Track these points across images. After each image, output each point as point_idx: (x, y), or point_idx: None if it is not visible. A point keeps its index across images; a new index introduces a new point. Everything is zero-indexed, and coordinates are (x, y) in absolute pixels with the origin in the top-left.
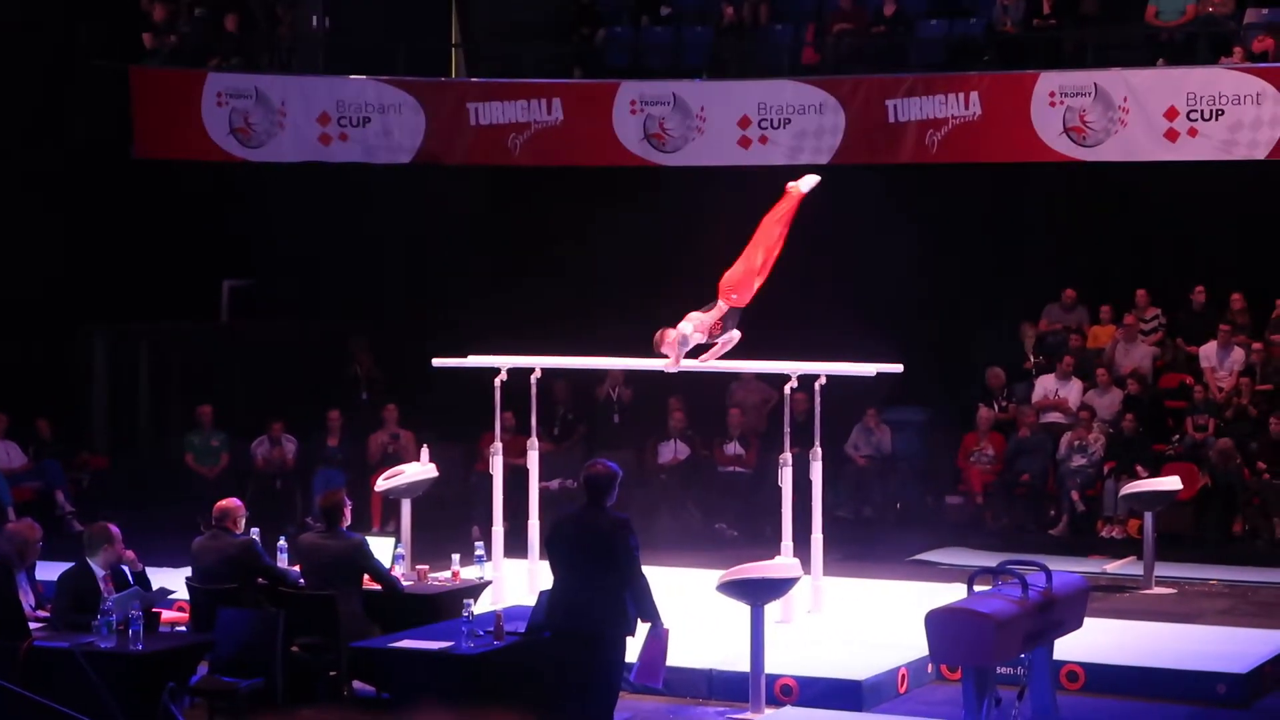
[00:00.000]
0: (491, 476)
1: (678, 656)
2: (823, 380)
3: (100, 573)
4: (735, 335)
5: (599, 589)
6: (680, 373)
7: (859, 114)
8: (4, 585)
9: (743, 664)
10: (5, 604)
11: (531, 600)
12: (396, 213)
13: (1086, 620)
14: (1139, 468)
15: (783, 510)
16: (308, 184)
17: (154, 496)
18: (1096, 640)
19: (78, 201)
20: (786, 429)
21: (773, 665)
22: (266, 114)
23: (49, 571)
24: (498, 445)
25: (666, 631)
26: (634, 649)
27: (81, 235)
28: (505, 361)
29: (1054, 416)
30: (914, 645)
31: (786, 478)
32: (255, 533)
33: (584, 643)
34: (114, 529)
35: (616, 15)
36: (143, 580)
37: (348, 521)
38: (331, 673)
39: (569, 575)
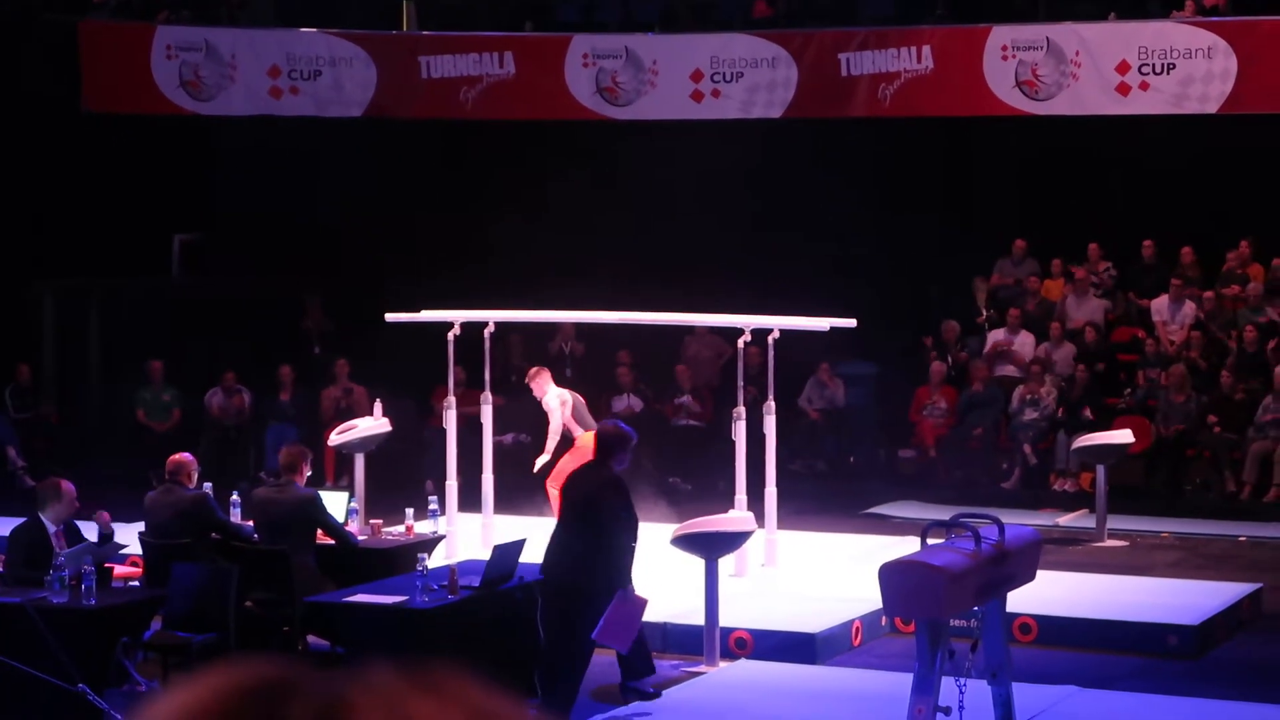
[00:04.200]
0: (445, 431)
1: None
2: (776, 334)
3: (52, 528)
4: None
5: (571, 543)
6: (631, 326)
7: (811, 68)
8: None
9: (697, 617)
10: None
11: (485, 554)
12: (348, 166)
13: (1039, 573)
14: (1090, 420)
15: (736, 464)
16: (259, 137)
17: (105, 451)
18: (1049, 593)
19: (26, 155)
20: (740, 383)
21: (727, 618)
22: (216, 67)
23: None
24: (451, 400)
25: (641, 600)
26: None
27: (30, 190)
28: (458, 316)
29: (1006, 370)
30: (867, 598)
31: (740, 431)
32: (208, 487)
33: (554, 593)
34: (66, 485)
35: None
36: (107, 540)
37: (305, 478)
38: (285, 628)
39: (558, 526)
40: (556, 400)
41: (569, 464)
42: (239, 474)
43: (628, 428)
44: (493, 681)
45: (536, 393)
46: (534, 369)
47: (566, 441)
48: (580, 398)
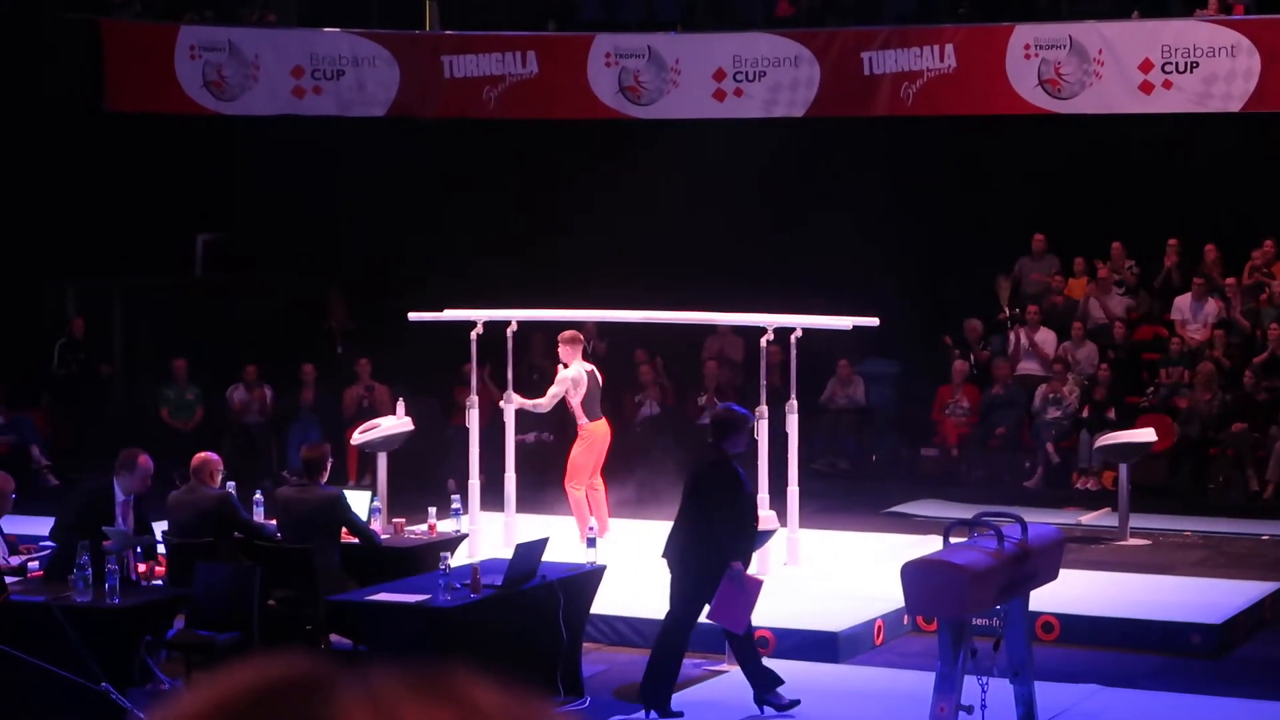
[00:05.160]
0: (467, 429)
1: (653, 608)
2: (799, 333)
3: (120, 497)
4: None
5: (681, 525)
6: (654, 325)
7: (834, 67)
8: None
9: None
10: None
11: (508, 553)
12: (371, 166)
13: (1062, 571)
14: (1113, 419)
15: (759, 463)
16: (282, 137)
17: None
18: (1072, 591)
19: (50, 155)
20: (763, 381)
21: None
22: (240, 67)
23: (20, 526)
24: (474, 398)
25: (755, 580)
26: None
27: (54, 189)
28: (481, 315)
29: (1030, 368)
30: (890, 597)
31: (762, 430)
32: (231, 486)
33: (673, 574)
34: (144, 459)
35: None
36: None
37: (326, 475)
38: (308, 626)
39: (679, 509)
40: (569, 382)
41: (579, 455)
42: (262, 473)
43: (741, 409)
44: (510, 681)
45: (563, 356)
46: (569, 332)
47: (573, 432)
48: (600, 380)
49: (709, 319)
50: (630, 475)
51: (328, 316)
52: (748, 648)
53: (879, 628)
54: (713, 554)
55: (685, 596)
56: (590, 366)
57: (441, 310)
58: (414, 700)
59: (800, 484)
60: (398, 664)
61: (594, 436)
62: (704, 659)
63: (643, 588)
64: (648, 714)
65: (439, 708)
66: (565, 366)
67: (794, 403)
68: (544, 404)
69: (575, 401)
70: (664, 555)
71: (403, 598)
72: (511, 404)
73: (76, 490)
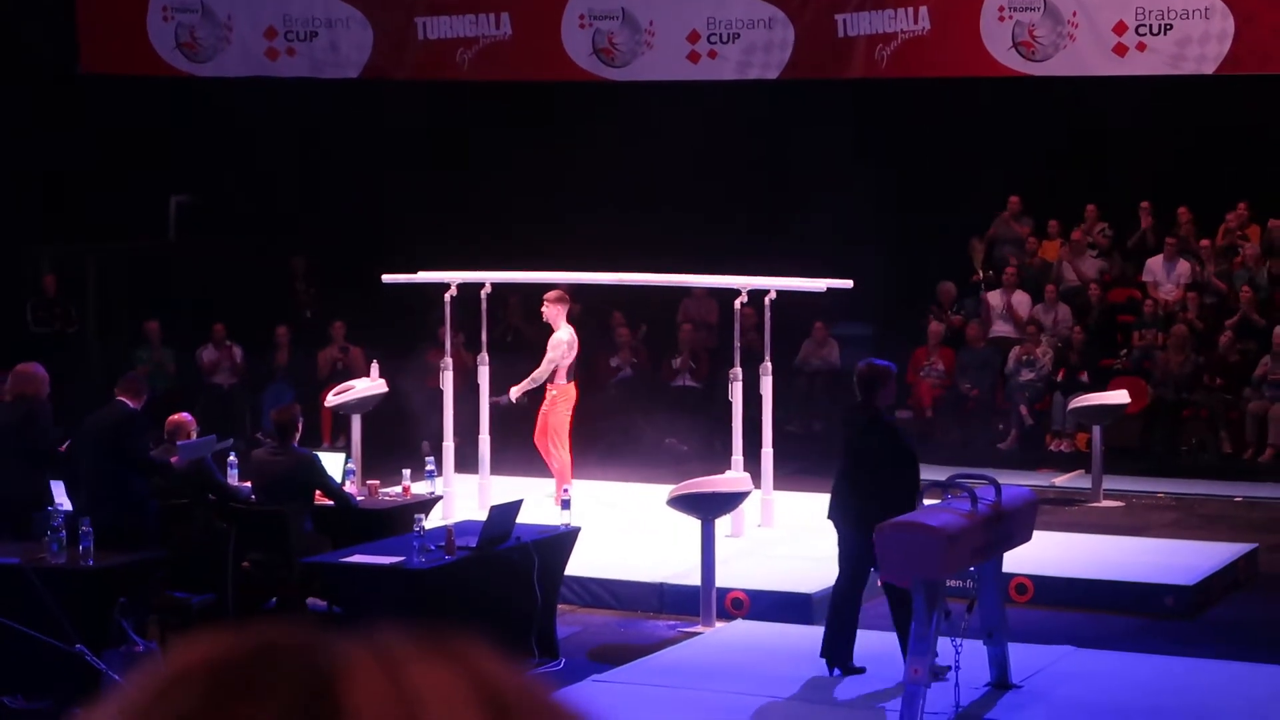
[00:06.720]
0: (442, 392)
1: (628, 570)
2: (773, 295)
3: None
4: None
5: (842, 486)
6: (629, 288)
7: (808, 28)
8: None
9: (693, 578)
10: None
11: (482, 515)
12: (345, 128)
13: (1035, 533)
14: (1086, 381)
15: (733, 425)
16: (256, 99)
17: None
18: (1045, 553)
19: (22, 117)
20: (736, 344)
21: (723, 579)
22: (212, 28)
23: None
24: (448, 360)
25: None
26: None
27: (28, 151)
28: (455, 277)
29: (1004, 330)
30: None
31: (736, 392)
32: None
33: (841, 536)
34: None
35: None
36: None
37: (298, 436)
38: (282, 589)
39: (838, 471)
40: (564, 345)
41: (558, 417)
42: (236, 435)
43: (883, 362)
44: (492, 643)
45: (550, 316)
46: (556, 292)
47: (540, 393)
48: (577, 344)
49: (683, 281)
50: (603, 437)
51: (292, 283)
52: (906, 607)
53: None
54: (880, 511)
55: (854, 557)
56: (571, 329)
57: (416, 273)
58: (420, 661)
59: (774, 446)
60: (398, 627)
61: (570, 396)
62: (677, 620)
63: (617, 550)
64: (832, 671)
65: (445, 670)
66: (553, 328)
67: (768, 365)
68: (542, 373)
69: (565, 364)
70: (829, 517)
71: (377, 559)
72: (517, 391)
73: (106, 427)
